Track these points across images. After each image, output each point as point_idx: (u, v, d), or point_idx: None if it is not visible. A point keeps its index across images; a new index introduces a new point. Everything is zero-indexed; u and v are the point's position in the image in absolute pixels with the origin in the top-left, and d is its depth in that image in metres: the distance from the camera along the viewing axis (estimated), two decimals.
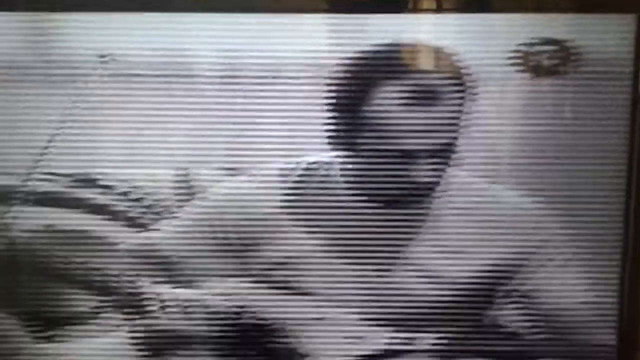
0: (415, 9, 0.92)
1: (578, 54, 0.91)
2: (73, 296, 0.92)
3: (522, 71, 0.91)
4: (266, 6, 0.88)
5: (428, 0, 0.92)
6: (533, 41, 0.91)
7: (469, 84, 0.90)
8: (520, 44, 0.90)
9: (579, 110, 0.92)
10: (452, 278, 0.93)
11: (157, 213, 0.93)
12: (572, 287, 0.93)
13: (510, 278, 0.93)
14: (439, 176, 0.92)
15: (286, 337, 0.94)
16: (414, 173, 0.90)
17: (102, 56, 0.85)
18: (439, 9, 0.93)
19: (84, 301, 0.93)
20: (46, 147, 0.87)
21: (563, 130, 0.92)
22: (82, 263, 0.91)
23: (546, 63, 0.92)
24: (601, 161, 0.92)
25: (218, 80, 0.88)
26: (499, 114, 0.91)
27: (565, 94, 0.92)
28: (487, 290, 0.93)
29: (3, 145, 0.87)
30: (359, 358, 0.94)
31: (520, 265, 0.94)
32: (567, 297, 0.93)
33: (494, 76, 0.90)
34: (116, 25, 0.85)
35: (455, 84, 0.90)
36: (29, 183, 0.89)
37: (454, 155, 0.91)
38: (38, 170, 0.88)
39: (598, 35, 0.90)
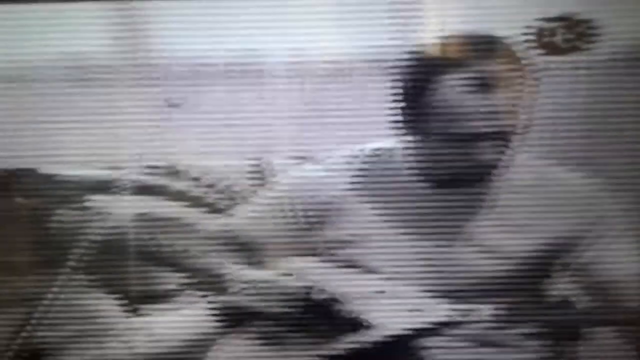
0: None
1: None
2: (161, 275, 1.04)
3: (536, 48, 0.96)
4: None
5: None
6: (548, 17, 0.96)
7: (528, 71, 0.96)
8: (535, 20, 0.96)
9: (629, 92, 0.97)
10: (510, 253, 0.99)
11: (234, 199, 1.04)
12: (624, 260, 0.99)
13: (567, 252, 1.00)
14: (500, 157, 0.98)
15: (351, 310, 1.03)
16: (477, 154, 0.97)
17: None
18: None
19: (171, 279, 1.04)
20: (141, 144, 0.98)
21: (614, 113, 0.97)
22: (169, 245, 1.02)
23: (560, 40, 0.97)
24: None
25: (288, 77, 0.97)
26: (556, 98, 0.98)
27: (616, 76, 0.98)
28: (543, 264, 1.00)
29: (104, 143, 0.98)
30: (419, 329, 1.02)
31: (576, 240, 1.00)
32: (620, 270, 0.99)
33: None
34: (198, 26, 0.95)
35: (514, 72, 0.96)
36: (127, 176, 1.01)
37: (514, 138, 0.97)
38: (134, 164, 1.00)
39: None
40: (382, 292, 1.01)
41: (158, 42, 0.97)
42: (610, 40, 0.97)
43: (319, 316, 1.04)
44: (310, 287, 1.03)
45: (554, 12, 0.97)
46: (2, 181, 0.97)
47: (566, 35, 0.97)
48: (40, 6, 0.91)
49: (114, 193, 1.00)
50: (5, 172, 0.97)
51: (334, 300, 1.03)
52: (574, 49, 0.97)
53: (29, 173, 0.98)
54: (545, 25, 0.97)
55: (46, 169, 0.99)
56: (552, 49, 0.98)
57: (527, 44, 0.97)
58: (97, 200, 1.00)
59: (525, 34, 0.97)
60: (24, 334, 1.00)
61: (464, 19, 0.98)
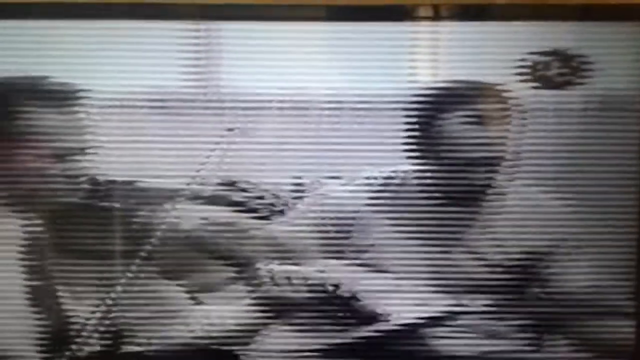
0: (416, 17, 1.16)
1: (587, 65, 1.10)
2: (217, 270, 1.24)
3: (529, 82, 1.12)
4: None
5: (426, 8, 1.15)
6: (540, 52, 1.12)
7: (514, 109, 1.18)
8: (528, 54, 1.12)
9: (596, 122, 1.13)
10: (497, 260, 1.20)
11: (278, 210, 1.25)
12: (590, 271, 1.19)
13: (542, 261, 1.19)
14: (491, 180, 1.19)
15: (369, 303, 1.22)
16: (473, 177, 1.19)
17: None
18: (439, 18, 1.15)
19: (225, 274, 1.24)
20: (204, 161, 1.20)
21: (584, 142, 1.15)
22: (225, 245, 1.23)
23: (554, 75, 1.12)
24: (617, 168, 1.15)
25: (325, 111, 1.18)
26: (534, 131, 1.16)
27: (585, 105, 1.13)
28: (522, 269, 1.20)
29: (172, 159, 1.19)
30: (424, 320, 1.21)
31: (550, 252, 1.19)
32: (586, 280, 1.19)
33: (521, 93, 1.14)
34: (257, 66, 1.16)
35: (503, 110, 1.18)
36: (191, 186, 1.20)
37: (503, 164, 1.18)
38: (197, 176, 1.19)
39: (608, 44, 1.09)
40: (397, 287, 1.22)
41: (224, 79, 1.20)
42: (603, 77, 1.13)
43: (344, 308, 1.22)
44: (337, 284, 1.22)
45: (548, 46, 1.12)
46: (102, 187, 1.19)
47: (560, 69, 1.11)
48: (136, 47, 1.15)
49: (183, 200, 1.20)
50: (104, 180, 1.19)
51: (356, 295, 1.23)
52: (567, 84, 1.12)
53: (121, 181, 1.19)
54: (540, 59, 1.12)
55: (133, 178, 1.19)
56: (545, 83, 1.13)
57: (520, 77, 1.14)
58: (170, 205, 1.22)
59: (520, 67, 1.13)
60: (102, 314, 1.20)
61: (464, 55, 1.17)
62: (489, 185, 1.20)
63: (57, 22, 1.15)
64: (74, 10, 1.14)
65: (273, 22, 1.18)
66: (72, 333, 1.20)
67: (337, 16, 1.18)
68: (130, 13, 1.15)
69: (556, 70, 1.13)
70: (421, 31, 1.19)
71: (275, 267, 1.22)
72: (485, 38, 1.17)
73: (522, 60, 1.16)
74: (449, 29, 1.19)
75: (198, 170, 1.20)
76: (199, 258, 1.23)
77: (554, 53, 1.13)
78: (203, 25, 1.18)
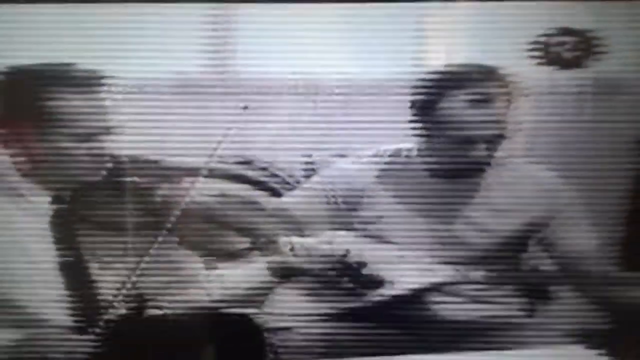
0: None
1: (601, 45, 1.14)
2: (233, 239, 1.33)
3: (543, 63, 1.18)
4: None
5: None
6: (553, 32, 1.15)
7: (515, 90, 1.24)
8: (540, 35, 1.16)
9: (593, 102, 1.20)
10: (497, 230, 1.28)
11: (290, 185, 1.33)
12: (581, 238, 1.27)
13: (539, 231, 1.28)
14: (492, 156, 1.26)
15: (377, 270, 1.31)
16: (474, 154, 1.25)
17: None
18: None
19: (240, 243, 1.33)
20: (219, 139, 1.27)
21: (583, 119, 1.22)
22: (241, 217, 1.32)
23: (567, 55, 1.15)
24: (608, 146, 1.21)
25: (335, 93, 1.25)
26: (535, 108, 1.23)
27: (588, 86, 1.19)
28: (521, 240, 1.29)
29: (193, 137, 1.26)
30: (427, 286, 1.30)
31: (546, 222, 1.28)
32: (578, 245, 1.28)
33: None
34: (270, 50, 1.23)
35: (504, 91, 1.24)
36: (209, 163, 1.26)
37: (503, 141, 1.25)
38: (215, 154, 1.26)
39: (622, 24, 1.12)
40: (401, 257, 1.31)
41: (240, 63, 1.27)
42: (616, 58, 1.17)
43: (351, 275, 1.30)
44: (345, 253, 1.30)
45: (560, 25, 1.16)
46: (125, 165, 1.27)
47: (573, 48, 1.14)
48: (157, 32, 1.21)
49: (202, 176, 1.27)
50: (127, 158, 1.27)
51: (363, 263, 1.30)
52: (579, 63, 1.17)
53: (143, 159, 1.26)
54: (552, 38, 1.16)
55: (154, 156, 1.27)
56: (557, 62, 1.17)
57: (531, 57, 1.18)
58: (189, 181, 1.29)
59: (532, 47, 1.17)
60: (131, 281, 1.28)
61: (474, 36, 1.23)
62: (488, 161, 1.28)
63: (80, 8, 1.21)
64: None
65: (286, 3, 1.23)
66: (100, 299, 1.29)
67: None
68: None
69: (569, 50, 1.17)
70: (430, 13, 1.25)
71: (295, 239, 1.29)
72: (496, 18, 1.21)
73: (534, 40, 1.20)
74: (457, 9, 1.24)
75: (215, 149, 1.26)
76: (216, 230, 1.31)
77: (566, 32, 1.17)
78: (220, 10, 1.23)
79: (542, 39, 1.17)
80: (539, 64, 1.18)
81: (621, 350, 1.21)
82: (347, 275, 1.31)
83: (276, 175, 1.31)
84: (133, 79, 1.23)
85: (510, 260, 1.30)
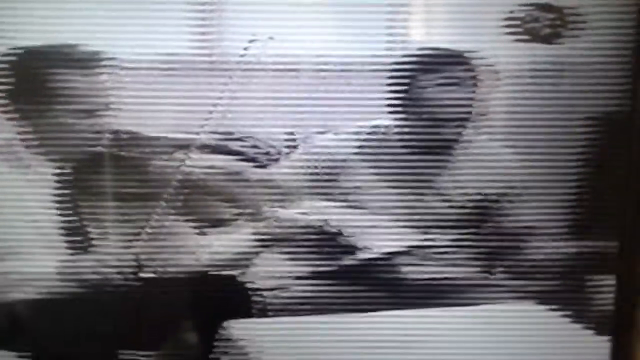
0: None
1: (576, 20, 1.19)
2: (221, 208, 1.43)
3: (518, 39, 1.23)
4: None
5: None
6: (529, 7, 1.21)
7: (480, 74, 1.35)
8: (515, 10, 1.21)
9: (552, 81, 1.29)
10: (463, 201, 1.41)
11: (274, 158, 1.43)
12: (534, 212, 1.40)
13: (497, 202, 1.41)
14: (460, 134, 1.38)
15: (351, 238, 1.42)
16: (445, 132, 1.37)
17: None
18: None
19: (227, 212, 1.42)
20: (208, 116, 1.35)
21: (543, 110, 1.31)
22: (228, 187, 1.42)
23: (543, 30, 1.21)
24: (563, 125, 1.31)
25: (316, 73, 1.33)
26: (499, 88, 1.32)
27: (558, 62, 1.27)
28: (483, 209, 1.41)
29: (184, 114, 1.35)
30: (398, 251, 1.42)
31: (504, 195, 1.41)
32: (532, 215, 1.41)
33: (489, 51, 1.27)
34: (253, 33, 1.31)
35: (472, 75, 1.35)
36: (199, 137, 1.35)
37: (471, 121, 1.37)
38: (204, 129, 1.34)
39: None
40: (376, 224, 1.44)
41: (225, 45, 1.37)
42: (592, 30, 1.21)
43: (329, 241, 1.41)
44: (324, 221, 1.41)
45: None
46: (122, 139, 1.37)
47: (550, 22, 1.19)
48: (151, 14, 1.28)
49: (192, 150, 1.36)
50: (124, 133, 1.35)
51: (340, 230, 1.41)
52: (556, 37, 1.21)
53: (138, 134, 1.36)
54: (529, 12, 1.21)
55: (148, 131, 1.36)
56: (535, 36, 1.22)
57: (511, 30, 1.24)
58: (181, 154, 1.38)
59: (510, 19, 1.22)
60: (128, 245, 1.37)
61: (449, 16, 1.31)
62: (457, 139, 1.39)
63: None
64: None
65: None
66: (99, 263, 1.39)
67: None
68: None
69: (545, 25, 1.22)
70: None
71: (272, 206, 1.40)
72: None
73: (510, 16, 1.26)
74: None
75: (203, 125, 1.35)
76: (205, 199, 1.41)
77: (542, 7, 1.22)
78: None
79: (518, 14, 1.24)
80: (513, 38, 1.25)
81: None
82: (327, 241, 1.41)
83: (261, 149, 1.41)
84: (128, 59, 1.30)
85: (473, 227, 1.42)
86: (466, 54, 1.35)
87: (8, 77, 1.28)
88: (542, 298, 1.38)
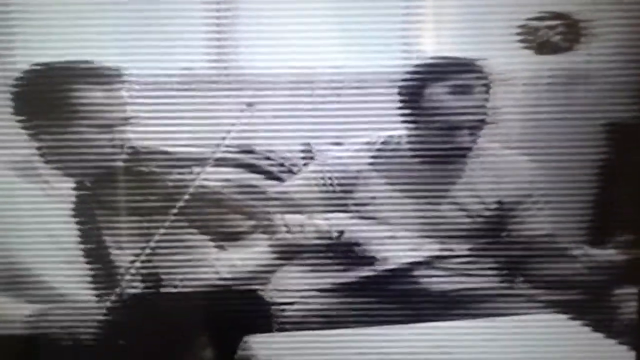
0: None
1: (590, 28, 1.19)
2: (239, 222, 1.44)
3: (529, 48, 1.25)
4: None
5: None
6: (542, 16, 1.22)
7: (493, 79, 1.35)
8: (528, 20, 1.23)
9: (567, 90, 1.30)
10: (478, 210, 1.40)
11: (290, 171, 1.44)
12: (548, 219, 1.39)
13: (514, 210, 1.40)
14: (473, 143, 1.37)
15: (368, 249, 1.41)
16: (457, 140, 1.36)
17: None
18: None
19: (244, 225, 1.43)
20: (224, 130, 1.37)
21: (557, 117, 1.32)
22: (245, 201, 1.43)
23: (555, 39, 1.22)
24: (578, 132, 1.31)
25: (329, 86, 1.35)
26: (512, 97, 1.33)
27: (572, 72, 1.28)
28: (498, 219, 1.40)
29: (199, 128, 1.37)
30: (415, 262, 1.41)
31: (519, 203, 1.40)
32: (545, 225, 1.39)
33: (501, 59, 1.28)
34: (270, 46, 1.34)
35: (483, 82, 1.36)
36: (214, 152, 1.36)
37: (483, 129, 1.36)
38: (220, 143, 1.35)
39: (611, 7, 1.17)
40: (392, 237, 1.43)
41: (242, 60, 1.39)
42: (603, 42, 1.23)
43: (346, 253, 1.41)
44: (341, 233, 1.39)
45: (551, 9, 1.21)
46: (140, 154, 1.39)
47: (561, 33, 1.20)
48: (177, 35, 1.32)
49: (208, 164, 1.36)
50: (142, 148, 1.37)
51: (357, 242, 1.42)
52: (569, 46, 1.22)
53: (156, 148, 1.38)
54: (540, 23, 1.22)
55: (166, 146, 1.38)
56: (545, 47, 1.23)
57: (524, 39, 1.25)
58: (197, 168, 1.39)
59: (523, 29, 1.24)
60: (142, 260, 1.36)
61: (461, 23, 1.32)
62: (471, 147, 1.39)
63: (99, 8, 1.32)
64: None
65: None
66: (118, 278, 1.39)
67: None
68: None
69: (558, 34, 1.23)
70: (417, 3, 1.34)
71: (289, 217, 1.38)
72: (482, 4, 1.27)
73: (522, 24, 1.27)
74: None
75: (223, 139, 1.36)
76: (223, 213, 1.42)
77: (556, 16, 1.22)
78: (221, 12, 1.35)
79: (531, 23, 1.25)
80: (527, 48, 1.26)
81: None
82: (344, 253, 1.41)
83: (277, 163, 1.43)
84: (145, 74, 1.34)
85: (492, 237, 1.41)
86: (477, 61, 1.35)
87: (28, 93, 1.31)
88: (565, 308, 1.35)
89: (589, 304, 1.36)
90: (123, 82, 1.32)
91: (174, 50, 1.34)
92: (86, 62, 1.31)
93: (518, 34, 1.27)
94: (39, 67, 1.31)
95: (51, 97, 1.32)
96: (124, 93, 1.33)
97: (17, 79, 1.32)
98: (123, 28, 1.30)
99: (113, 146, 1.35)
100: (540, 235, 1.40)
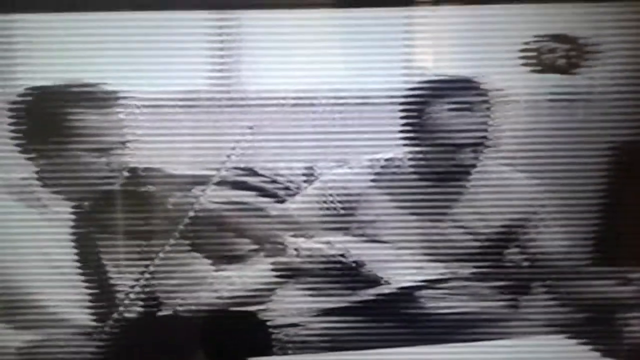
0: (416, 2, 1.26)
1: (593, 50, 1.18)
2: (240, 243, 1.41)
3: (534, 70, 1.24)
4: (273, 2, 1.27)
5: None
6: (544, 38, 1.21)
7: (495, 99, 1.34)
8: (531, 41, 1.22)
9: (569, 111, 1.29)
10: (480, 230, 1.38)
11: (292, 192, 1.43)
12: (555, 237, 1.37)
13: (518, 231, 1.38)
14: (475, 162, 1.36)
15: (371, 271, 1.39)
16: (459, 159, 1.35)
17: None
18: (441, 1, 1.25)
19: (245, 246, 1.41)
20: (226, 151, 1.36)
21: (560, 134, 1.32)
22: (247, 223, 1.41)
23: (558, 61, 1.22)
24: (583, 149, 1.30)
25: (330, 107, 1.35)
26: (514, 116, 1.32)
27: (574, 93, 1.26)
28: (502, 239, 1.38)
29: (202, 151, 1.36)
30: (420, 282, 1.39)
31: (524, 223, 1.38)
32: (553, 243, 1.38)
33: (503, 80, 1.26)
34: (274, 69, 1.34)
35: (485, 101, 1.35)
36: (216, 173, 1.35)
37: (485, 148, 1.34)
38: (222, 165, 1.35)
39: (614, 28, 1.15)
40: (395, 256, 1.41)
41: (244, 81, 1.38)
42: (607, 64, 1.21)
43: (348, 276, 1.39)
44: (342, 254, 1.39)
45: (554, 30, 1.20)
46: (140, 175, 1.37)
47: (566, 54, 1.18)
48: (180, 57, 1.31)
49: (210, 185, 1.36)
50: (142, 169, 1.35)
51: (361, 263, 1.39)
52: (573, 67, 1.21)
53: (157, 170, 1.36)
54: (545, 44, 1.21)
55: (167, 167, 1.36)
56: (550, 69, 1.22)
57: (527, 60, 1.24)
58: (198, 190, 1.38)
59: (525, 50, 1.23)
60: (143, 282, 1.35)
61: (462, 42, 1.30)
62: (473, 166, 1.38)
63: (95, 29, 1.30)
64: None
65: (283, 9, 1.31)
66: (117, 300, 1.38)
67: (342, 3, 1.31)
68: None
69: (561, 56, 1.21)
70: (421, 20, 1.32)
71: (300, 241, 1.38)
72: (484, 24, 1.27)
73: (525, 47, 1.26)
74: (446, 17, 1.32)
75: (226, 160, 1.35)
76: (223, 234, 1.40)
77: (559, 38, 1.21)
78: (223, 29, 1.33)
79: (534, 45, 1.23)
80: (531, 71, 1.24)
81: None
82: (346, 275, 1.39)
83: (279, 183, 1.41)
84: (146, 96, 1.33)
85: (494, 258, 1.40)
86: (478, 80, 1.34)
87: (24, 116, 1.30)
88: (570, 330, 1.34)
89: (595, 326, 1.34)
90: (120, 105, 1.31)
91: (177, 72, 1.33)
92: (81, 85, 1.30)
93: (521, 56, 1.27)
94: (34, 91, 1.30)
95: (46, 121, 1.30)
96: (120, 116, 1.31)
97: (13, 102, 1.31)
98: (127, 49, 1.29)
99: (110, 170, 1.33)
100: (543, 256, 1.38)
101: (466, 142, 1.35)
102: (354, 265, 1.39)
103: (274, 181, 1.41)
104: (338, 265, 1.38)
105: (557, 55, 1.21)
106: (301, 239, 1.39)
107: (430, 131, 1.36)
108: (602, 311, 1.34)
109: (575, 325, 1.35)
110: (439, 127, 1.35)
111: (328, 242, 1.39)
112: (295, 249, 1.38)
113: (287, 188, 1.42)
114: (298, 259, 1.37)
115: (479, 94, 1.34)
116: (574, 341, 1.33)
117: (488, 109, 1.35)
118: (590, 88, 1.31)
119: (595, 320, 1.34)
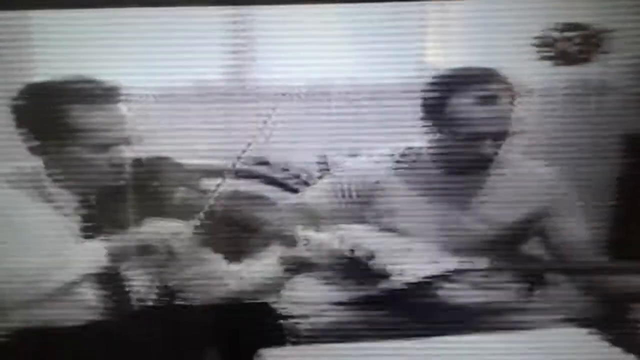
0: None
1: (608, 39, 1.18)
2: (252, 235, 1.39)
3: (549, 59, 1.24)
4: None
5: None
6: (559, 27, 1.20)
7: (516, 90, 1.33)
8: (546, 30, 1.21)
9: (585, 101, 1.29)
10: (499, 221, 1.37)
11: (305, 183, 1.41)
12: (576, 227, 1.37)
13: (538, 221, 1.38)
14: (496, 152, 1.35)
15: (386, 262, 1.38)
16: (480, 150, 1.33)
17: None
18: None
19: (256, 239, 1.38)
20: (243, 143, 1.33)
21: (579, 127, 1.30)
22: (259, 213, 1.39)
23: (574, 50, 1.20)
24: (600, 142, 1.29)
25: (347, 97, 1.33)
26: (534, 106, 1.31)
27: (582, 84, 1.26)
28: (522, 230, 1.38)
29: (219, 140, 1.33)
30: (435, 276, 1.39)
31: (545, 212, 1.37)
32: (573, 234, 1.38)
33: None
34: (287, 59, 1.31)
35: (507, 91, 1.33)
36: (231, 164, 1.32)
37: (507, 138, 1.33)
38: (236, 156, 1.32)
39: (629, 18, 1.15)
40: (410, 248, 1.40)
41: (257, 71, 1.35)
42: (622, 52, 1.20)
43: (362, 266, 1.37)
44: (356, 246, 1.35)
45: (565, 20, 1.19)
46: (151, 167, 1.34)
47: (579, 44, 1.17)
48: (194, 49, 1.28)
49: (223, 177, 1.33)
50: (154, 159, 1.33)
51: (373, 255, 1.37)
52: (588, 57, 1.20)
53: (169, 162, 1.34)
54: (558, 34, 1.20)
55: (179, 159, 1.34)
56: (565, 58, 1.20)
57: (539, 52, 1.23)
58: (211, 182, 1.36)
59: (540, 40, 1.22)
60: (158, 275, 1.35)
61: (478, 34, 1.28)
62: (493, 157, 1.36)
63: (103, 23, 1.27)
64: None
65: (294, 4, 1.29)
66: (130, 293, 1.36)
67: None
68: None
69: (576, 45, 1.20)
70: (435, 12, 1.31)
71: (308, 234, 1.35)
72: (499, 14, 1.24)
73: (540, 35, 1.24)
74: (460, 8, 1.31)
75: (241, 155, 1.32)
76: (236, 226, 1.38)
77: (573, 27, 1.20)
78: (236, 25, 1.30)
79: (549, 34, 1.22)
80: (545, 59, 1.23)
81: None
82: (359, 266, 1.37)
83: (294, 175, 1.39)
84: (158, 88, 1.30)
85: (512, 249, 1.39)
86: (497, 70, 1.33)
87: (26, 112, 1.27)
88: (584, 322, 1.34)
89: (609, 318, 1.35)
90: (122, 100, 1.27)
91: (191, 64, 1.30)
92: (85, 80, 1.27)
93: (536, 45, 1.25)
94: (35, 86, 1.27)
95: (47, 117, 1.27)
96: (123, 112, 1.28)
97: (15, 98, 1.27)
98: (141, 42, 1.25)
99: (113, 165, 1.29)
100: (562, 248, 1.38)
101: (487, 132, 1.33)
102: (368, 256, 1.36)
103: (287, 171, 1.39)
104: (351, 257, 1.36)
105: (572, 44, 1.19)
106: (311, 232, 1.36)
107: (450, 120, 1.34)
108: (622, 303, 1.34)
109: (587, 317, 1.35)
110: (463, 119, 1.33)
111: (339, 236, 1.36)
112: (306, 241, 1.35)
113: (300, 179, 1.39)
114: (307, 253, 1.34)
115: (500, 85, 1.32)
116: (584, 331, 1.32)
117: (509, 99, 1.33)
118: (604, 77, 1.30)
119: (615, 312, 1.34)
